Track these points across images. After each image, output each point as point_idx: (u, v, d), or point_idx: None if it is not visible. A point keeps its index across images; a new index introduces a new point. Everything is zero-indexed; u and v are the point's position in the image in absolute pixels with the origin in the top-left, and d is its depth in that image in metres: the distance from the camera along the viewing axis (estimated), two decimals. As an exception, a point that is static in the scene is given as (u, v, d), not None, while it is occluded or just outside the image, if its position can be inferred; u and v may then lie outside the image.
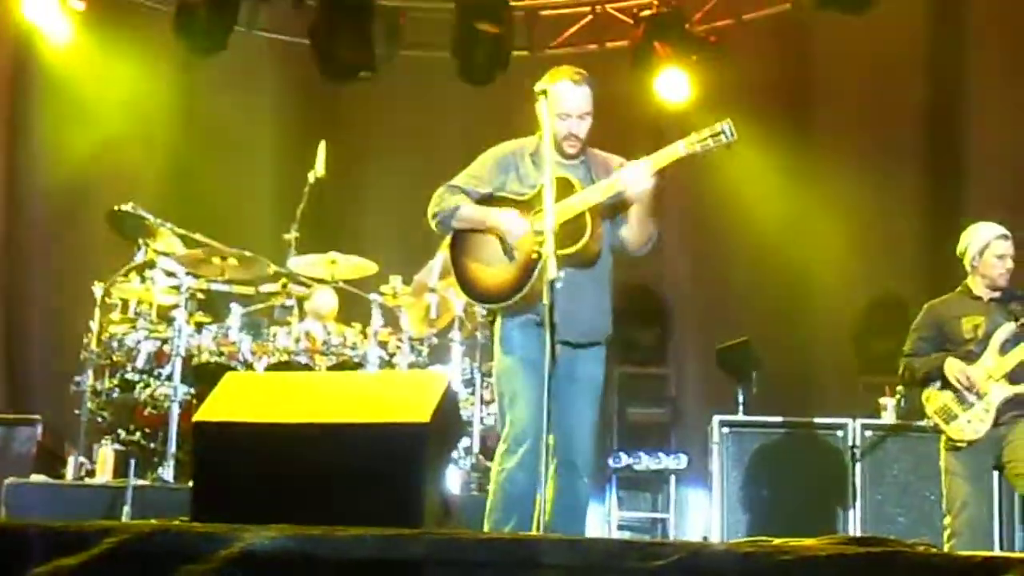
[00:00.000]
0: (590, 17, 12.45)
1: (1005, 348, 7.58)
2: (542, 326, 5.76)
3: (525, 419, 6.08)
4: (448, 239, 6.47)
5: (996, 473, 7.86)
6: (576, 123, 6.31)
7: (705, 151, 6.12)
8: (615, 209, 6.34)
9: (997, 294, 7.78)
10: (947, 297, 7.97)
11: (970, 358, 7.63)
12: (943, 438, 7.72)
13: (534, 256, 6.05)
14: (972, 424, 7.56)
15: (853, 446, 9.71)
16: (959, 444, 7.61)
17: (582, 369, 6.30)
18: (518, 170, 6.34)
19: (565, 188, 6.16)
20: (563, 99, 6.27)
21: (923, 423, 8.02)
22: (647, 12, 11.90)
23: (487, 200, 6.35)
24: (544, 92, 6.10)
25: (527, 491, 5.96)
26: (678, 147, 6.13)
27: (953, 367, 7.61)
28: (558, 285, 5.87)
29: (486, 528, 6.15)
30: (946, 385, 7.65)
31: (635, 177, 6.12)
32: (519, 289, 6.16)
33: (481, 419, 9.42)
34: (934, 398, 7.71)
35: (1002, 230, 7.81)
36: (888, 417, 9.90)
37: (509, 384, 6.26)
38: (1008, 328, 7.61)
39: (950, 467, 7.70)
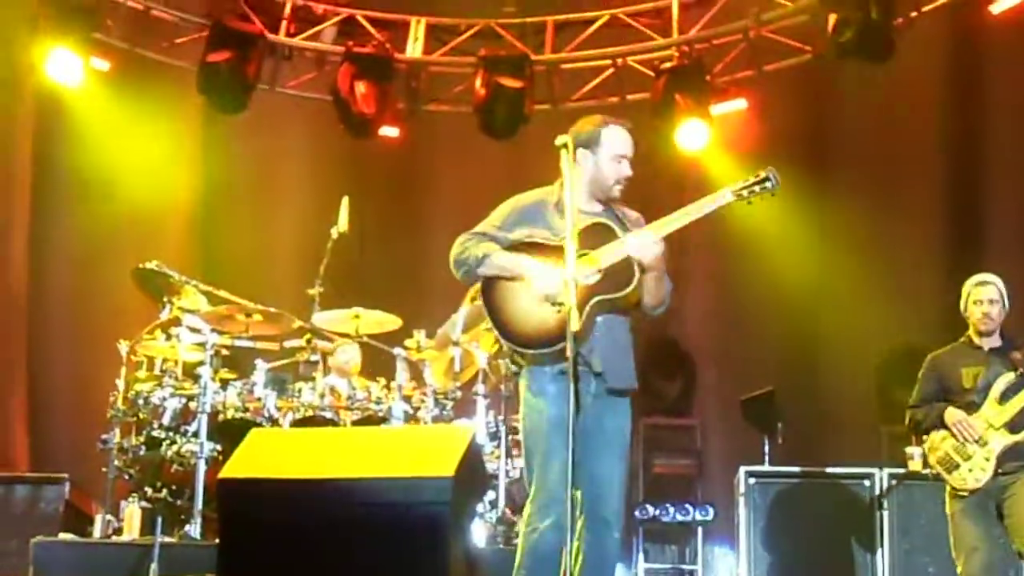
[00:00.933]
0: (611, 70, 12.50)
1: (1005, 397, 7.64)
2: (575, 377, 5.74)
3: (558, 480, 5.99)
4: (476, 291, 6.43)
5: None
6: (627, 166, 6.29)
7: (751, 197, 6.14)
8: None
9: (998, 343, 7.86)
10: (950, 347, 8.05)
11: (971, 408, 7.71)
12: (947, 487, 7.80)
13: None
14: (973, 473, 7.64)
15: (880, 495, 9.69)
16: (961, 493, 7.69)
17: (610, 422, 6.22)
18: (543, 220, 6.21)
19: (606, 232, 6.12)
20: (620, 142, 6.27)
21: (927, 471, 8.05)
22: (668, 64, 11.97)
23: (518, 248, 6.27)
24: (565, 146, 6.08)
25: (558, 550, 5.91)
26: (725, 195, 6.13)
27: (952, 415, 7.70)
28: (595, 332, 5.88)
29: (513, 587, 6.09)
30: (948, 434, 7.73)
31: (641, 245, 6.08)
32: (561, 338, 6.06)
33: (507, 472, 9.38)
34: (937, 448, 7.79)
35: (982, 277, 7.91)
36: (915, 466, 9.87)
37: (542, 443, 6.11)
38: (1007, 378, 7.68)
39: (956, 513, 7.76)
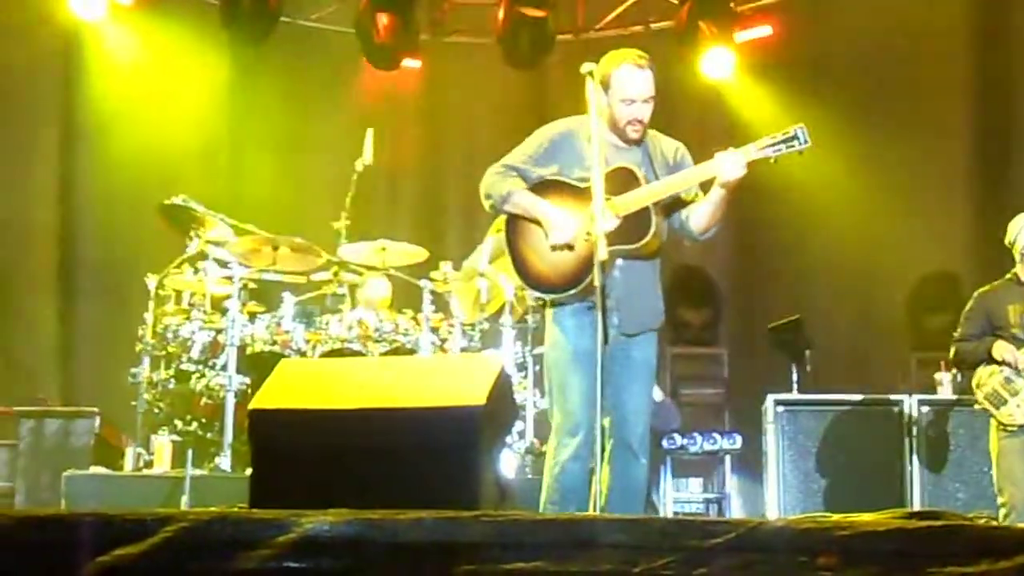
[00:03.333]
0: (634, -2, 12.44)
1: None
2: (595, 309, 5.74)
3: (578, 410, 6.00)
4: (501, 222, 6.42)
5: None
6: (641, 108, 6.18)
7: (777, 156, 6.05)
8: (677, 200, 6.27)
9: None
10: (996, 284, 8.06)
11: (1016, 344, 7.76)
12: (993, 422, 7.84)
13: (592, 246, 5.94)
14: (1021, 408, 7.69)
15: (910, 422, 9.68)
16: (1010, 428, 7.73)
17: (636, 352, 6.24)
18: (576, 152, 6.19)
19: (628, 179, 6.07)
20: (627, 84, 6.16)
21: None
22: (692, -9, 11.87)
23: (545, 185, 6.25)
24: (591, 73, 6.04)
25: (582, 481, 5.96)
26: (748, 150, 6.07)
27: (1001, 348, 7.75)
28: (615, 274, 5.87)
29: (541, 518, 6.10)
30: (996, 367, 7.78)
31: (732, 165, 5.99)
32: (578, 281, 6.05)
33: (534, 403, 9.41)
34: (984, 384, 7.84)
35: None
36: (944, 392, 9.86)
37: (561, 376, 6.18)
38: None
39: (1002, 449, 7.82)
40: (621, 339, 6.09)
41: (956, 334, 8.08)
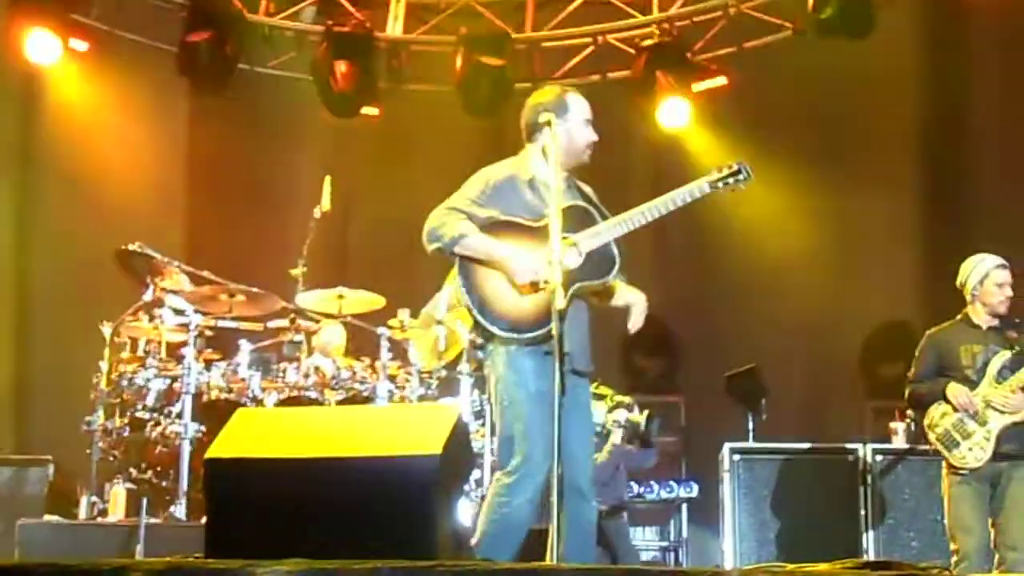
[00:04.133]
0: (591, 48, 12.48)
1: (1002, 375, 7.77)
2: (551, 355, 5.75)
3: (540, 454, 5.96)
4: (456, 268, 6.40)
5: None
6: (594, 130, 6.35)
7: (725, 189, 6.19)
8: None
9: (995, 322, 7.97)
10: (947, 325, 8.13)
11: (968, 386, 7.80)
12: (945, 467, 7.89)
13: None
14: (973, 452, 7.74)
15: (864, 470, 9.73)
16: (961, 471, 7.76)
17: (581, 394, 6.26)
18: (517, 195, 6.23)
19: (583, 216, 6.15)
20: (586, 106, 6.36)
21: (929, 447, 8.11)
22: (648, 42, 11.94)
23: (498, 226, 6.23)
24: (548, 122, 6.10)
25: (528, 523, 5.99)
26: (702, 186, 6.22)
27: (955, 390, 7.77)
28: (568, 317, 5.90)
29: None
30: (949, 409, 7.79)
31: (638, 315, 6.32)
32: (544, 323, 6.06)
33: (492, 451, 9.39)
34: (937, 425, 7.85)
35: (1000, 260, 8.01)
36: (899, 441, 9.93)
37: (522, 416, 6.09)
38: (1004, 356, 7.81)
39: (953, 493, 7.86)
40: (571, 379, 6.08)
41: (909, 375, 8.11)
